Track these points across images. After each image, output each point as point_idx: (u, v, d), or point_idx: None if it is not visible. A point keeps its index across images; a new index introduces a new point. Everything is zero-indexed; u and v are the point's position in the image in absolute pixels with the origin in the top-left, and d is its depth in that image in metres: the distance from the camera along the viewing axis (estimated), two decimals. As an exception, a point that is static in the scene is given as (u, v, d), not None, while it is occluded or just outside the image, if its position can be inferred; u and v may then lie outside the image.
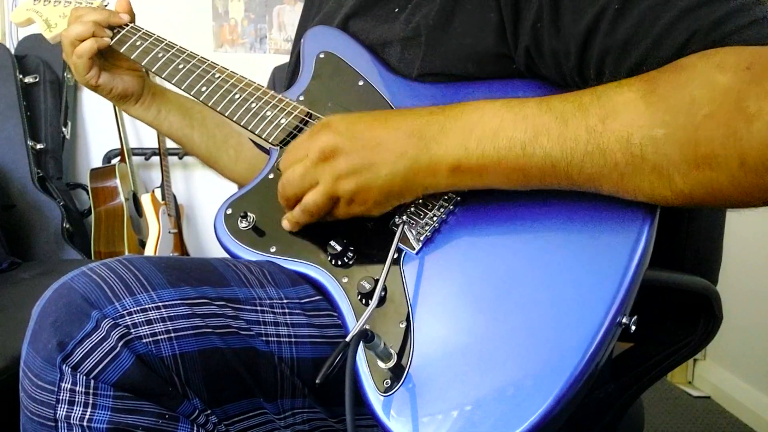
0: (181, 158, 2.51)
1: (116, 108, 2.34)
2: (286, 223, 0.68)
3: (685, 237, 0.74)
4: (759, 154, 0.46)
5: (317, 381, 0.52)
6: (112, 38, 0.89)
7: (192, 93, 0.82)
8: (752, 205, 0.50)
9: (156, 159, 2.41)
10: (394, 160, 0.59)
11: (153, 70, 0.85)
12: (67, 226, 2.10)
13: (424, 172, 0.59)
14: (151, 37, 0.88)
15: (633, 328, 0.53)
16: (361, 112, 0.64)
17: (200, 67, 0.83)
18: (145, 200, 2.29)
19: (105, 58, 0.90)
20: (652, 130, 0.49)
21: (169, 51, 0.86)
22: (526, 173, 0.55)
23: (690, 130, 0.48)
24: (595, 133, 0.51)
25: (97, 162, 2.49)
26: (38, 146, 2.17)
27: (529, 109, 0.55)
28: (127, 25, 0.90)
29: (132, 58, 0.87)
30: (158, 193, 2.35)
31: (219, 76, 0.81)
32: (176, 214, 2.40)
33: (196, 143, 0.99)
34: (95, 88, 0.91)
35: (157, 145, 2.36)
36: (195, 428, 0.58)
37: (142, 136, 2.52)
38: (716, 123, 0.47)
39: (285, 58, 1.12)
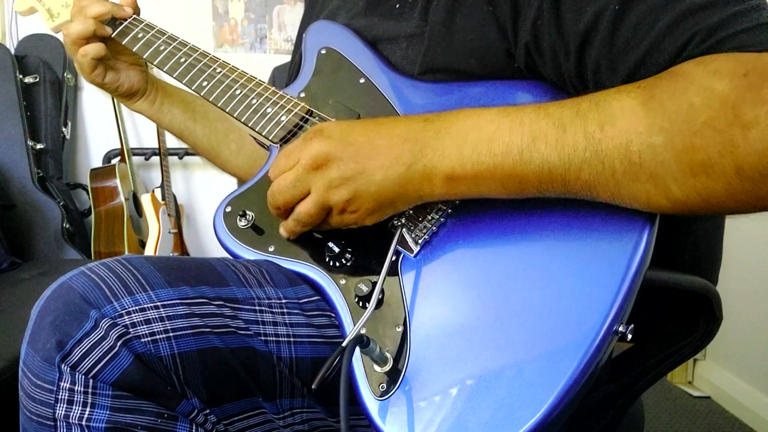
0: (181, 158, 2.50)
1: (116, 108, 2.34)
2: (283, 232, 0.67)
3: (685, 237, 0.73)
4: (755, 161, 0.46)
5: (313, 387, 0.52)
6: (114, 30, 0.88)
7: (193, 87, 0.81)
8: (746, 212, 0.50)
9: (156, 159, 2.41)
10: (388, 165, 0.58)
11: (154, 63, 0.84)
12: (67, 226, 2.10)
13: (419, 179, 0.58)
14: (153, 29, 0.87)
15: (629, 336, 0.53)
16: (355, 120, 0.62)
17: (201, 61, 0.82)
18: (145, 200, 2.29)
19: (109, 53, 0.89)
20: (651, 137, 0.49)
21: (171, 44, 0.85)
22: (522, 180, 0.54)
23: (688, 136, 0.48)
24: (594, 140, 0.51)
25: (97, 162, 2.49)
26: (38, 146, 2.17)
27: (526, 115, 0.55)
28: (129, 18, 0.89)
29: (134, 50, 0.86)
30: (158, 193, 2.35)
31: (220, 71, 0.80)
32: (176, 214, 2.40)
33: (198, 137, 0.98)
34: (101, 86, 0.90)
35: (157, 145, 2.35)
36: (194, 427, 0.58)
37: (142, 136, 2.51)
38: (713, 130, 0.47)
39: (285, 58, 1.12)
